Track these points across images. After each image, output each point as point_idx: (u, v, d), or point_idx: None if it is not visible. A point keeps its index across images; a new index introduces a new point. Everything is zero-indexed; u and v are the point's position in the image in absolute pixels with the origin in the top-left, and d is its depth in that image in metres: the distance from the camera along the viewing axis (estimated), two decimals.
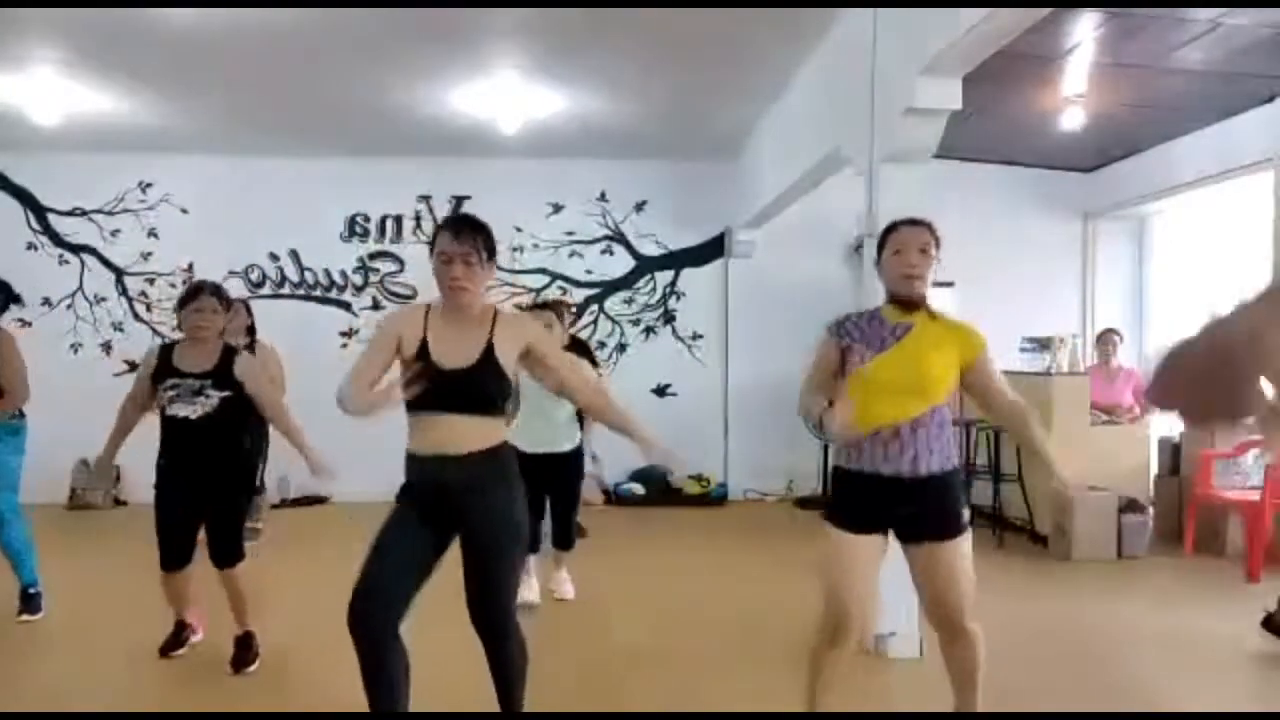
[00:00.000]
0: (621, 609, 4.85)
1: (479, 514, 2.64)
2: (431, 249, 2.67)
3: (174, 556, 3.74)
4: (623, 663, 3.97)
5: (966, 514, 2.69)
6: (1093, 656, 4.04)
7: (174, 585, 3.83)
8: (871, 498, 2.65)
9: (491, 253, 2.68)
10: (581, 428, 4.89)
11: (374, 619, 2.57)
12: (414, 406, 2.63)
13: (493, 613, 2.68)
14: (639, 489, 8.00)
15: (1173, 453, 6.59)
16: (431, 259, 2.66)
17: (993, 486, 6.44)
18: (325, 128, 7.24)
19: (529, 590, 4.62)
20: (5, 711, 3.33)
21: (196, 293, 3.75)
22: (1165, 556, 6.00)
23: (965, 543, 2.65)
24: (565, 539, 4.96)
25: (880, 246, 2.72)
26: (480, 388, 2.62)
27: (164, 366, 3.71)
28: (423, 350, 2.62)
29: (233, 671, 3.74)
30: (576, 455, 4.85)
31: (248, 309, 6.05)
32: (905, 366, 2.61)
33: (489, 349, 2.62)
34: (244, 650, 3.82)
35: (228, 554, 3.76)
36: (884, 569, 3.84)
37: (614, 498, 7.98)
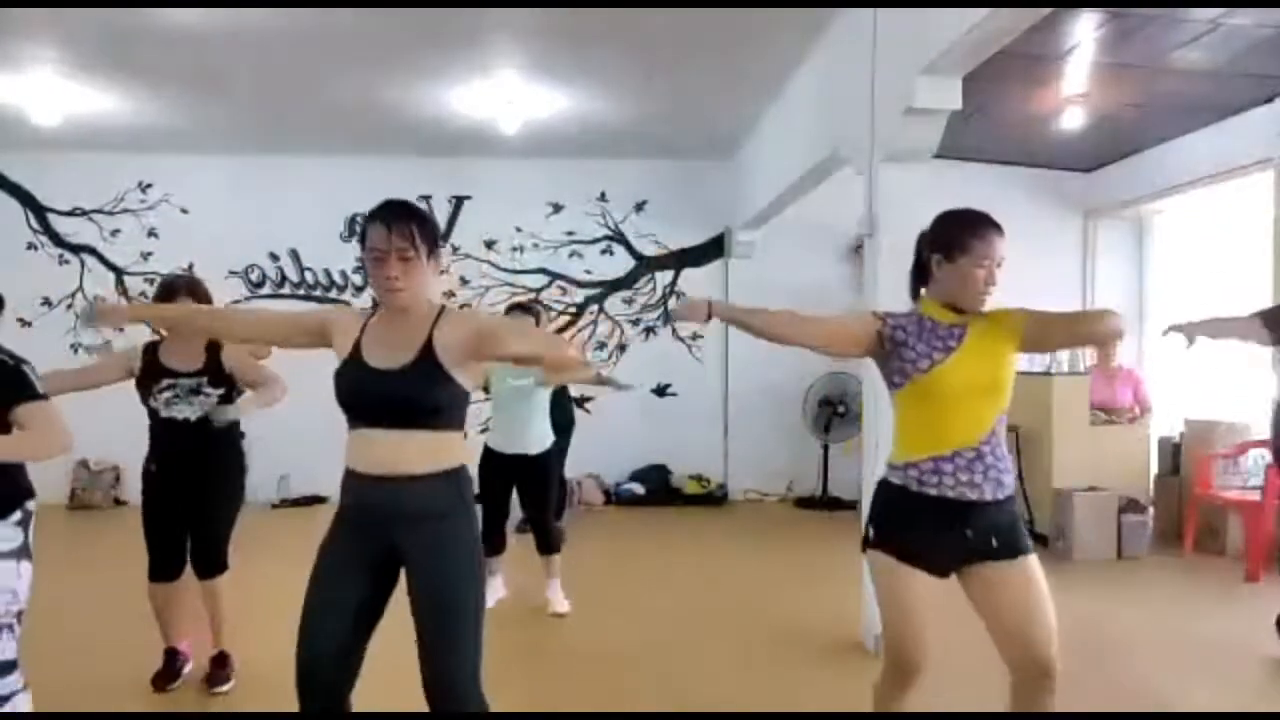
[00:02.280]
0: (621, 609, 4.85)
1: (430, 549, 2.22)
2: (361, 240, 2.27)
3: (164, 566, 3.58)
4: (622, 662, 3.97)
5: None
6: (1092, 656, 4.04)
7: (162, 599, 3.62)
8: (950, 528, 2.29)
9: (433, 244, 2.27)
10: (566, 431, 4.91)
11: (323, 674, 2.23)
12: (351, 419, 2.27)
13: (447, 682, 2.20)
14: (639, 489, 8.00)
15: (1173, 453, 6.59)
16: (362, 254, 2.28)
17: None
18: (325, 128, 7.24)
19: (490, 593, 4.36)
20: (5, 712, 3.32)
21: (171, 293, 3.57)
22: (1165, 556, 6.00)
23: (1037, 560, 2.37)
24: (545, 543, 4.77)
25: (955, 245, 2.34)
26: (414, 391, 2.20)
27: (153, 366, 3.53)
28: (355, 352, 2.27)
29: (208, 689, 3.59)
30: (547, 458, 4.73)
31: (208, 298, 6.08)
32: (979, 366, 2.31)
33: (427, 346, 2.21)
34: (219, 667, 3.66)
35: (212, 562, 3.60)
36: None
37: (614, 498, 7.99)
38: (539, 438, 4.69)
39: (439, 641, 2.20)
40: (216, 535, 3.61)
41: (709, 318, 2.60)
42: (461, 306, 8.21)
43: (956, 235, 2.36)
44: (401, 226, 2.20)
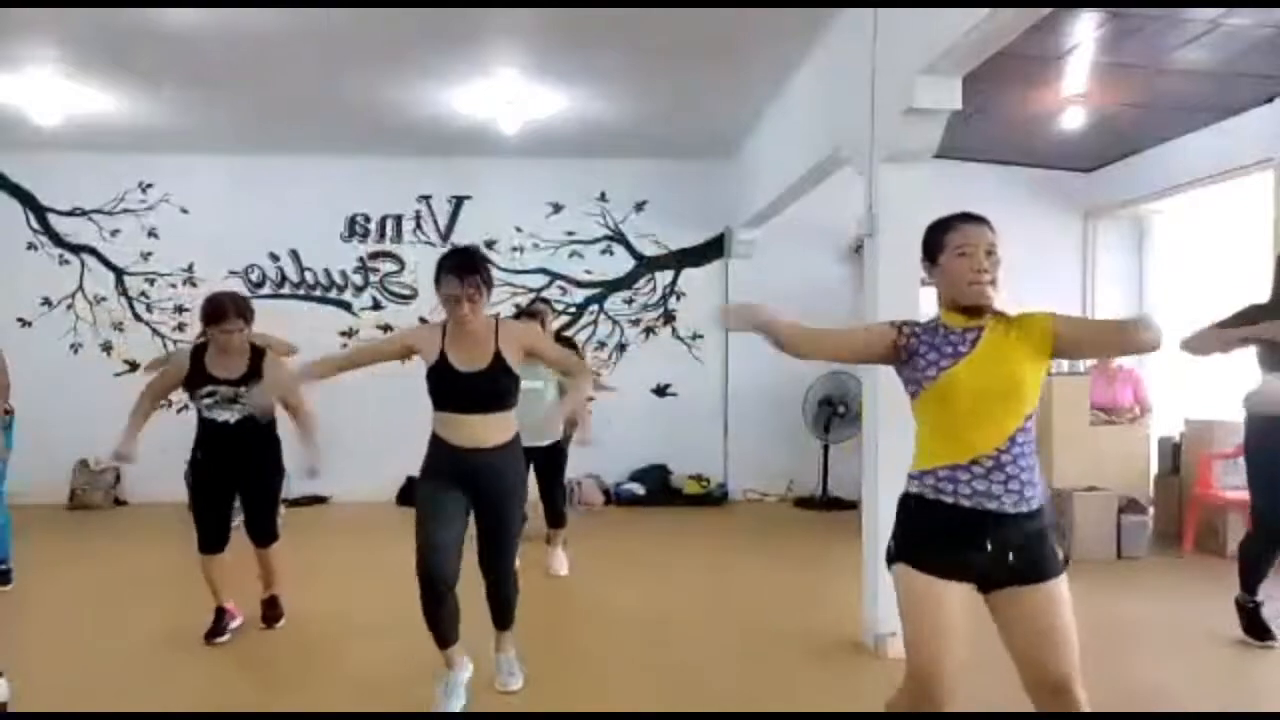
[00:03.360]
0: (621, 609, 4.85)
1: (496, 493, 3.26)
2: (438, 283, 3.11)
3: (212, 540, 4.11)
4: (622, 662, 3.97)
5: (1061, 549, 2.29)
6: (1092, 656, 4.03)
7: (213, 567, 4.14)
8: (970, 539, 2.20)
9: (490, 283, 3.18)
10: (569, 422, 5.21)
11: (439, 569, 3.14)
12: (441, 407, 3.21)
13: (500, 564, 3.35)
14: (639, 489, 8.00)
15: (1173, 453, 6.59)
16: (438, 293, 3.11)
17: None
18: (325, 128, 7.25)
19: (553, 561, 5.50)
20: (4, 712, 3.33)
21: (223, 314, 3.91)
22: (1165, 556, 6.00)
23: (1065, 585, 2.23)
24: (555, 517, 5.52)
25: (934, 247, 2.34)
26: (494, 385, 3.18)
27: (198, 373, 3.97)
28: (442, 358, 3.14)
29: (265, 627, 4.29)
30: (555, 447, 5.36)
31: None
32: (993, 370, 2.22)
33: (497, 352, 3.16)
34: (271, 609, 4.36)
35: (265, 534, 4.26)
36: (882, 569, 3.82)
37: (614, 498, 7.99)
38: (550, 429, 5.02)
39: (499, 543, 3.34)
40: (267, 510, 4.26)
41: (757, 327, 2.43)
42: None
43: (933, 238, 2.36)
44: (470, 278, 3.08)
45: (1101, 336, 2.40)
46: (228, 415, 4.01)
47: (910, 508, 2.31)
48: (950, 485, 2.22)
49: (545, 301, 6.79)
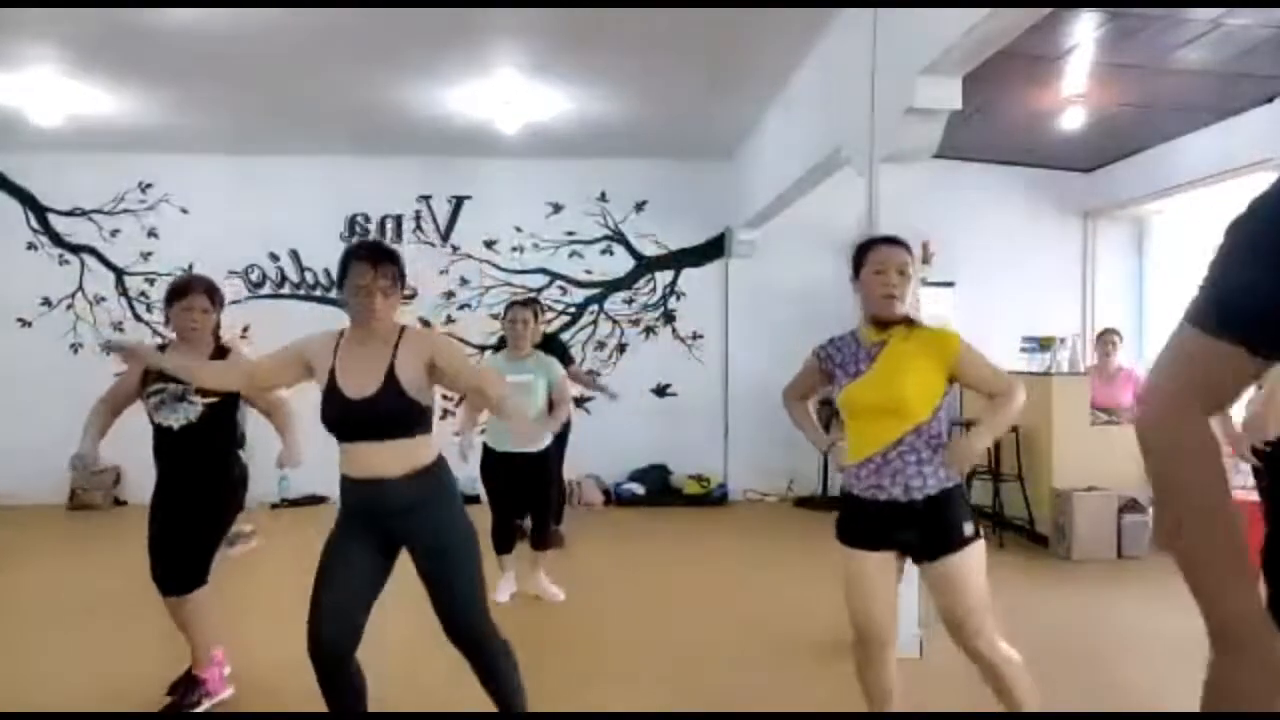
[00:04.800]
0: (621, 609, 4.85)
1: (423, 533, 2.66)
2: (342, 275, 2.71)
3: (160, 578, 3.41)
4: (622, 663, 3.97)
5: (970, 527, 2.61)
6: (1093, 656, 4.04)
7: (174, 614, 3.45)
8: (873, 521, 2.64)
9: (403, 279, 2.75)
10: (562, 434, 4.97)
11: (321, 635, 2.60)
12: (338, 437, 2.68)
13: (463, 626, 2.69)
14: (639, 489, 8.00)
15: None
16: (344, 288, 2.69)
17: (993, 486, 6.44)
18: (325, 128, 7.24)
19: (502, 589, 4.77)
20: (4, 712, 3.33)
21: (185, 290, 3.43)
22: (1165, 556, 5.98)
23: (970, 556, 2.59)
24: (538, 539, 4.91)
25: (858, 264, 2.68)
26: (385, 414, 2.61)
27: (152, 373, 3.35)
28: (331, 380, 2.66)
29: (171, 700, 3.42)
30: (544, 456, 4.81)
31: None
32: (879, 388, 2.61)
33: (390, 373, 2.62)
34: (188, 689, 3.45)
35: (179, 577, 3.38)
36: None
37: (614, 498, 7.99)
38: (536, 438, 4.69)
39: (451, 599, 2.66)
40: (191, 547, 3.39)
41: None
42: (461, 307, 8.23)
43: (857, 255, 2.71)
44: (385, 268, 2.65)
45: (979, 388, 2.68)
46: (171, 419, 3.35)
47: (843, 499, 2.78)
48: (855, 481, 2.67)
49: (534, 301, 6.32)
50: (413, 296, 8.14)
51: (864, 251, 2.69)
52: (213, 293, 3.49)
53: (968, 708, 3.10)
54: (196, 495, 3.37)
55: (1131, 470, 6.39)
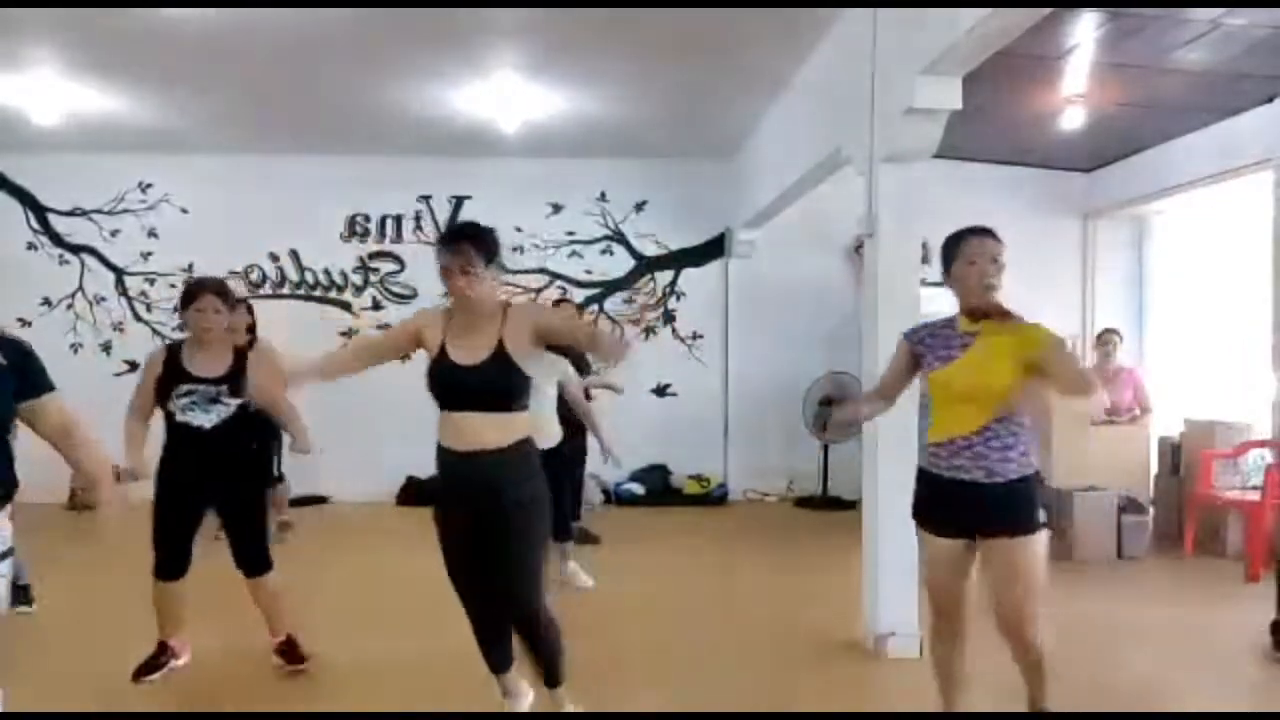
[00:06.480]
0: (621, 609, 4.84)
1: (498, 507, 2.79)
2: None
3: (172, 565, 3.59)
4: (621, 662, 3.97)
5: (1042, 515, 2.72)
6: (1092, 657, 4.04)
7: (168, 597, 3.64)
8: (951, 500, 2.74)
9: (490, 255, 2.80)
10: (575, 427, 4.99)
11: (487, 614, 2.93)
12: (440, 404, 2.83)
13: (514, 599, 2.85)
14: (639, 489, 8.00)
15: (1173, 453, 6.58)
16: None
17: None
18: (325, 128, 7.24)
19: (568, 573, 5.04)
20: (4, 712, 3.33)
21: (198, 292, 3.55)
22: (1165, 556, 6.00)
23: (1034, 543, 2.69)
24: (555, 529, 4.96)
25: (950, 257, 2.75)
26: (493, 382, 2.76)
27: (174, 370, 3.52)
28: (441, 350, 2.80)
29: (285, 666, 3.73)
30: (558, 452, 4.81)
31: (249, 308, 6.08)
32: (968, 377, 2.69)
33: (499, 345, 2.77)
34: (291, 651, 3.76)
35: (255, 561, 3.67)
36: (882, 569, 3.84)
37: (614, 498, 7.98)
38: (546, 434, 4.66)
39: (506, 572, 2.83)
40: (254, 532, 3.69)
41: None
42: None
43: (947, 250, 2.77)
44: (460, 246, 2.75)
45: (1063, 384, 2.69)
46: (203, 419, 3.50)
47: (918, 475, 2.88)
48: (936, 459, 2.77)
49: (567, 300, 6.93)
50: (413, 296, 8.16)
51: (953, 246, 2.75)
52: (223, 293, 3.62)
53: (967, 708, 3.10)
54: (242, 484, 3.66)
55: (1132, 470, 6.41)
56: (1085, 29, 4.94)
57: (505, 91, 6.12)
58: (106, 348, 8.04)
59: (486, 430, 2.78)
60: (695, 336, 8.38)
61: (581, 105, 6.52)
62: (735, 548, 6.46)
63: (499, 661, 3.08)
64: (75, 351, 7.99)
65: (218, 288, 3.61)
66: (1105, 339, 6.87)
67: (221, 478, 3.58)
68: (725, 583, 5.45)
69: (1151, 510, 6.35)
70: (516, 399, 2.84)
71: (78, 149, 7.60)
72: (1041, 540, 2.72)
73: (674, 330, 8.38)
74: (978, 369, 2.68)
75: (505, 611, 2.91)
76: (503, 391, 2.79)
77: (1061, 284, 8.08)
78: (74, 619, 4.56)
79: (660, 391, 8.35)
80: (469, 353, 2.77)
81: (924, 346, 2.82)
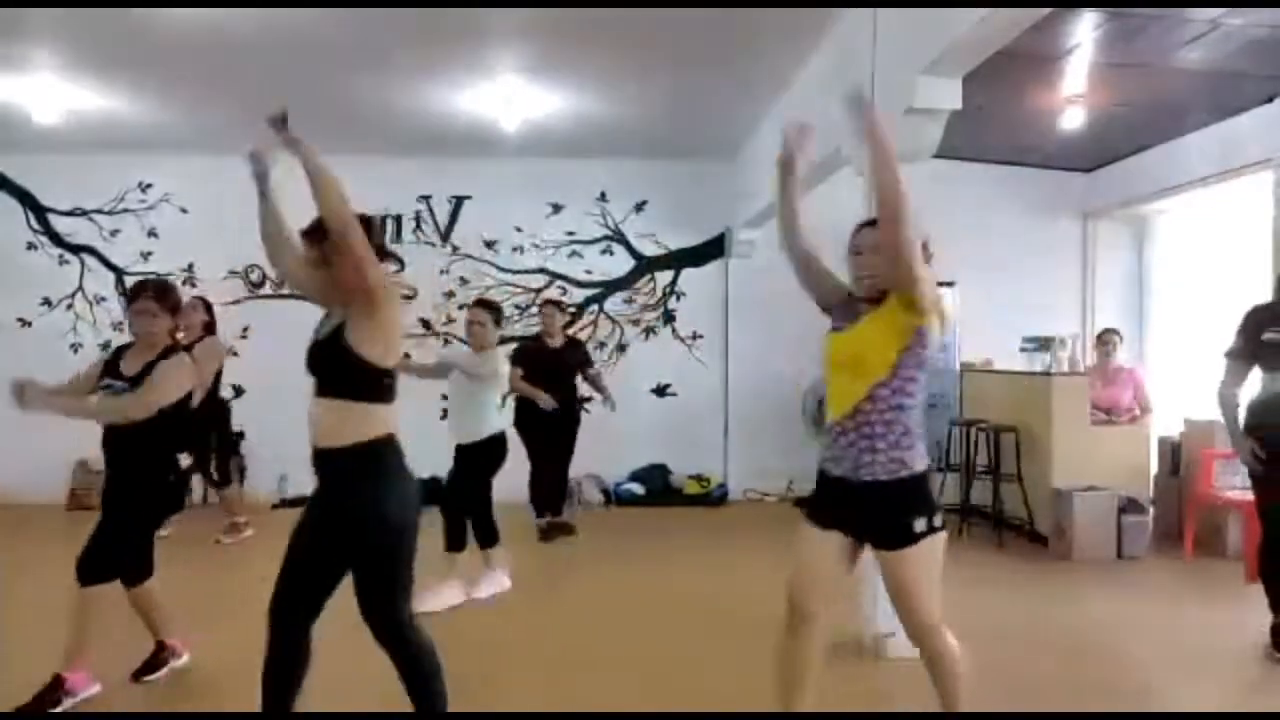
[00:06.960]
0: (620, 609, 4.85)
1: (353, 513, 2.58)
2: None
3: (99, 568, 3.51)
4: (621, 662, 3.97)
5: (922, 524, 2.50)
6: (1092, 657, 4.04)
7: (134, 601, 3.66)
8: (828, 496, 2.65)
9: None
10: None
11: (288, 621, 2.64)
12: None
13: (378, 620, 2.61)
14: (639, 489, 8.00)
15: (1173, 453, 6.59)
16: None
17: (993, 486, 6.44)
18: (325, 128, 7.16)
19: (439, 596, 4.59)
20: (4, 712, 3.33)
21: (137, 293, 3.51)
22: (1165, 556, 6.00)
23: (913, 556, 2.51)
24: (477, 532, 4.96)
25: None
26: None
27: (108, 367, 3.52)
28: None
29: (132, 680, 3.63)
30: (471, 450, 4.86)
31: (207, 306, 6.19)
32: (850, 344, 2.63)
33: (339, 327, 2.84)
34: (154, 659, 3.71)
35: (91, 566, 3.43)
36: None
37: (614, 498, 7.98)
38: (470, 428, 4.84)
39: (367, 589, 2.60)
40: (111, 538, 3.50)
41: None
42: (460, 307, 8.22)
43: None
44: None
45: (887, 259, 2.53)
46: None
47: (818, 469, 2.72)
48: (824, 449, 2.66)
49: (554, 303, 6.96)
50: (413, 297, 8.15)
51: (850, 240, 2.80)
52: (162, 296, 3.53)
53: (967, 708, 3.10)
54: (125, 488, 3.50)
55: (1132, 470, 6.41)
56: (1085, 29, 4.95)
57: (506, 91, 6.12)
58: (106, 348, 8.02)
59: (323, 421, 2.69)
60: (695, 336, 8.38)
61: (581, 105, 6.52)
62: (735, 548, 6.46)
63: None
64: (75, 351, 7.99)
65: (156, 290, 3.54)
66: (1105, 339, 6.87)
67: (115, 477, 3.54)
68: (725, 583, 5.45)
69: (1151, 510, 6.35)
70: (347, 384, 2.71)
71: (78, 149, 7.60)
72: (925, 549, 2.51)
73: (674, 330, 8.38)
74: (859, 338, 2.61)
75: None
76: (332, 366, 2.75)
77: (1061, 284, 8.08)
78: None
79: (660, 391, 8.35)
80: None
81: (835, 307, 2.80)
